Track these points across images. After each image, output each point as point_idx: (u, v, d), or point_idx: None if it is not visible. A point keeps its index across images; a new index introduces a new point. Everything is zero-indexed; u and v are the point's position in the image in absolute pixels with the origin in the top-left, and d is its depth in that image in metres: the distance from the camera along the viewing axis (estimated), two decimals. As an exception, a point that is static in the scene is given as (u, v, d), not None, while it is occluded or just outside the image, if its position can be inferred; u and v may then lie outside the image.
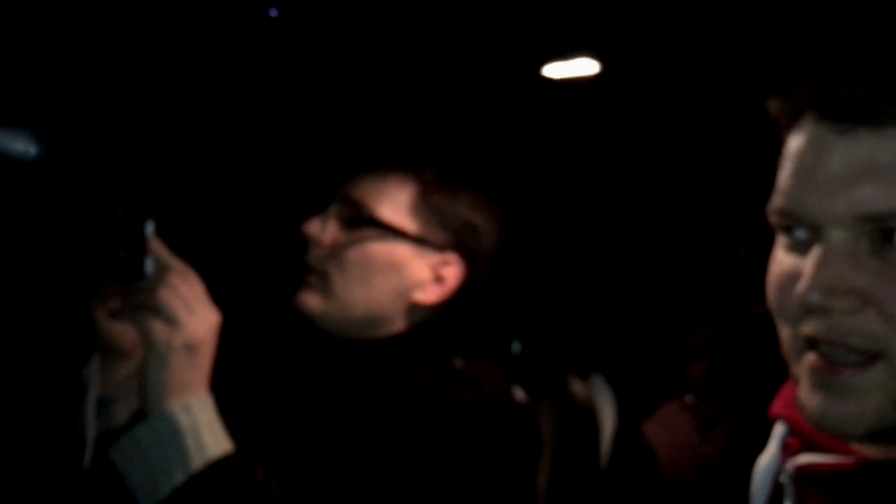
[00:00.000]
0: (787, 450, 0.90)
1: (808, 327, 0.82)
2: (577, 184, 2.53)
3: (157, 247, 1.20)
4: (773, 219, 0.85)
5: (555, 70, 1.86)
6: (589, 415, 2.00)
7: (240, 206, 2.04)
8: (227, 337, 1.24)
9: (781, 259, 0.85)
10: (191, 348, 1.18)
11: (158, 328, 1.17)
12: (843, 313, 0.79)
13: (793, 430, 0.90)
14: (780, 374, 0.90)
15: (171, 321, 1.17)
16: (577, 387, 2.03)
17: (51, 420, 1.26)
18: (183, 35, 1.55)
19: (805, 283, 0.80)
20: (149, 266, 1.19)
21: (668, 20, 1.58)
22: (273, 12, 1.10)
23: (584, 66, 1.85)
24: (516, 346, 2.21)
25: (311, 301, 1.47)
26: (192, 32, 1.51)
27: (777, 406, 0.93)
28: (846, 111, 0.80)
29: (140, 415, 1.21)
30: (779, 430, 0.92)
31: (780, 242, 0.86)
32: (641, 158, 2.40)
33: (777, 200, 0.85)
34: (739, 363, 1.03)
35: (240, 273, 1.95)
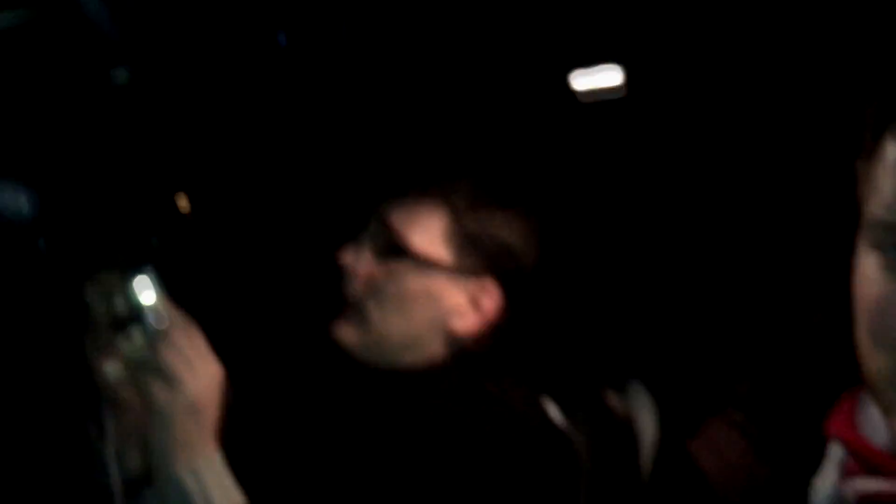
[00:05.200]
0: (846, 472, 0.88)
1: None
2: (610, 193, 2.57)
3: (157, 297, 1.21)
4: (873, 234, 0.80)
5: (581, 81, 1.91)
6: (628, 430, 2.04)
7: (270, 235, 2.09)
8: (259, 372, 1.28)
9: (879, 279, 0.79)
10: (194, 408, 1.19)
11: (159, 390, 1.18)
12: None
13: (851, 453, 0.88)
14: (831, 391, 0.91)
15: (171, 382, 1.18)
16: (615, 401, 2.07)
17: (73, 473, 1.31)
18: (195, 65, 1.60)
19: None
20: (148, 318, 1.20)
21: (701, 25, 1.62)
22: (282, 39, 1.15)
23: (609, 76, 1.90)
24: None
25: (349, 333, 1.51)
26: (204, 63, 1.56)
27: (834, 426, 0.91)
28: None
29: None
30: (835, 452, 0.91)
31: (876, 261, 0.80)
32: (676, 165, 2.45)
33: (879, 212, 0.79)
34: (789, 381, 1.05)
35: (273, 303, 2.01)
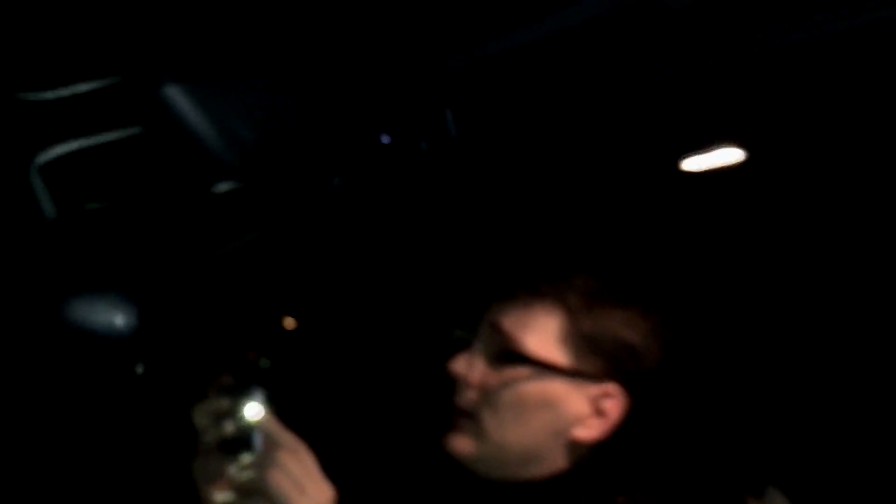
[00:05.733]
0: None
1: None
2: (731, 281, 2.45)
3: (266, 419, 1.19)
4: None
5: (695, 163, 1.83)
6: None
7: (378, 347, 2.06)
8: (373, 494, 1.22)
9: None
10: None
11: None
12: None
13: None
14: None
15: None
16: (758, 510, 1.92)
17: None
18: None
19: None
20: (257, 440, 1.17)
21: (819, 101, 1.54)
22: (385, 139, 1.13)
23: (726, 156, 1.81)
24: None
25: (464, 445, 1.44)
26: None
27: None
28: None
29: None
30: None
31: None
32: (797, 249, 2.31)
33: None
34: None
35: (385, 419, 1.96)
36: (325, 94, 0.89)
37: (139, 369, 1.20)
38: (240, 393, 1.20)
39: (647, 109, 1.49)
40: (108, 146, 0.90)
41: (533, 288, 1.48)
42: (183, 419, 1.21)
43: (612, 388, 1.43)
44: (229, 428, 1.20)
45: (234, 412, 1.19)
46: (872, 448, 2.43)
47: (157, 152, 0.87)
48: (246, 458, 1.18)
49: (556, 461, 1.43)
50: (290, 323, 2.04)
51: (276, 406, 1.21)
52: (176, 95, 0.78)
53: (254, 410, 1.19)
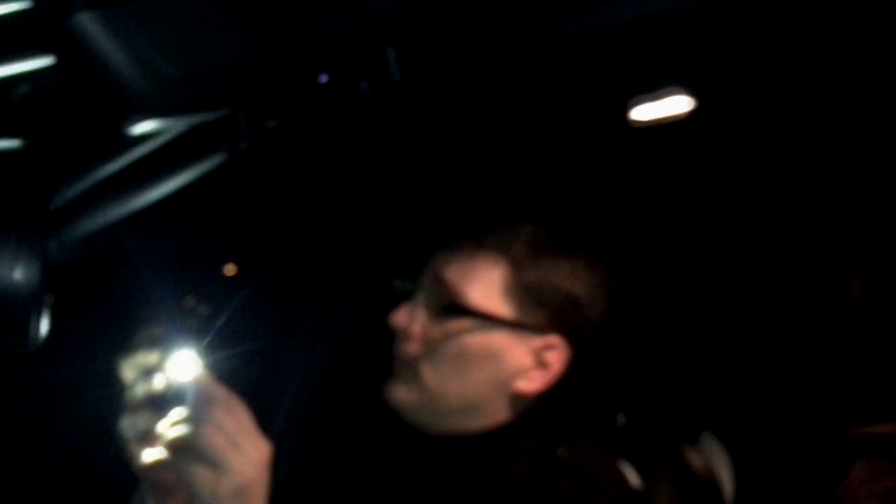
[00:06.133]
0: None
1: None
2: (675, 235, 2.45)
3: (198, 373, 1.14)
4: None
5: (643, 111, 1.80)
6: (712, 487, 1.91)
7: (315, 296, 2.01)
8: (307, 445, 1.19)
9: None
10: (241, 493, 1.11)
11: (203, 475, 1.10)
12: None
13: None
14: None
15: (216, 465, 1.10)
16: (694, 458, 1.95)
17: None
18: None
19: None
20: (189, 396, 1.13)
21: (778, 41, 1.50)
22: (322, 78, 1.06)
23: (675, 104, 1.79)
24: (621, 419, 2.13)
25: (403, 394, 1.42)
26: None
27: None
28: None
29: None
30: None
31: None
32: (745, 200, 2.32)
33: None
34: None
35: (322, 366, 1.93)
36: (253, 25, 0.83)
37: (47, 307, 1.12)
38: (170, 345, 1.14)
39: (593, 54, 1.45)
40: (16, 78, 0.83)
41: (477, 238, 1.45)
42: (108, 373, 1.16)
43: (554, 339, 1.41)
44: (159, 382, 1.15)
45: (163, 366, 1.14)
46: (807, 391, 2.48)
47: (71, 86, 0.80)
48: (177, 414, 1.13)
49: (498, 413, 1.42)
50: (229, 269, 1.98)
51: (208, 359, 1.15)
52: (88, 23, 0.71)
53: (185, 364, 1.14)
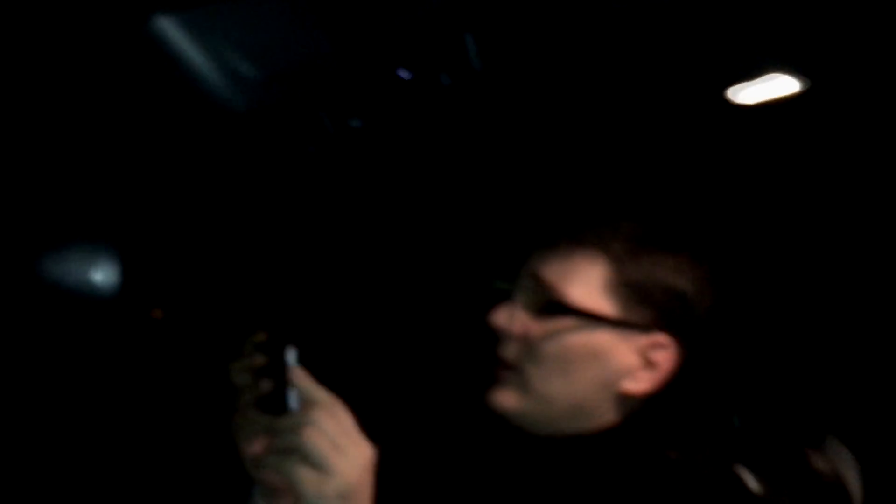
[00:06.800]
0: None
1: None
2: (785, 224, 2.33)
3: (300, 377, 1.16)
4: None
5: (746, 95, 1.72)
6: (842, 493, 1.81)
7: (415, 298, 2.00)
8: (412, 449, 1.18)
9: None
10: (345, 495, 1.12)
11: (307, 477, 1.11)
12: None
13: None
14: None
15: (319, 467, 1.11)
16: (819, 462, 1.85)
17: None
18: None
19: None
20: (293, 400, 1.15)
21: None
22: (403, 74, 1.04)
23: (781, 86, 1.70)
24: (737, 421, 2.05)
25: (508, 399, 1.39)
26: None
27: None
28: None
29: None
30: None
31: None
32: (862, 185, 2.18)
33: None
34: None
35: (425, 372, 1.91)
36: (329, 23, 0.82)
37: (156, 314, 1.15)
38: (276, 349, 1.17)
39: (691, 35, 1.38)
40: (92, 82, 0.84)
41: (575, 235, 1.41)
42: (214, 374, 1.18)
43: (661, 338, 1.37)
44: (265, 386, 1.17)
45: (269, 370, 1.17)
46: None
47: (148, 91, 0.80)
48: (282, 416, 1.15)
49: (605, 415, 1.38)
50: (321, 276, 1.99)
51: (312, 363, 1.17)
52: (167, 28, 0.71)
53: (290, 367, 1.16)
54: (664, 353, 1.36)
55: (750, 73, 1.67)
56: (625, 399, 1.38)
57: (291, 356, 1.16)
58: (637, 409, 1.39)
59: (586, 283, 1.37)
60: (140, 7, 0.71)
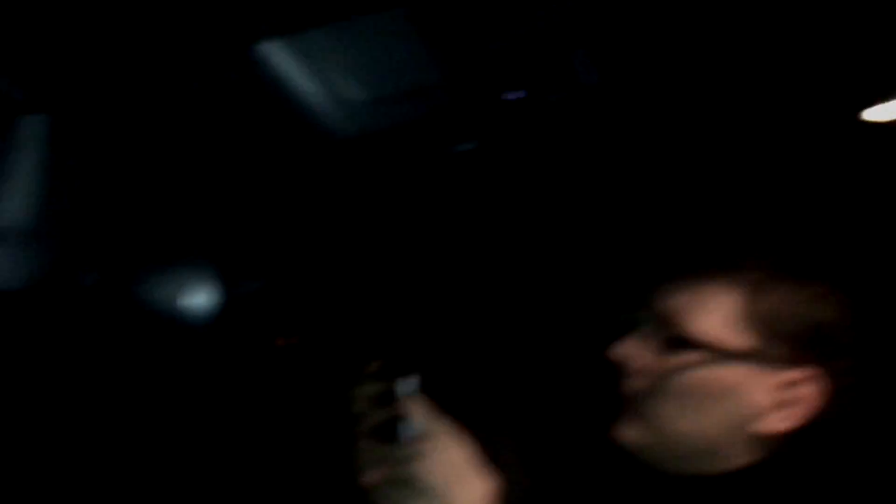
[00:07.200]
0: None
1: None
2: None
3: (416, 407, 1.13)
4: None
5: (879, 112, 1.61)
6: None
7: (538, 328, 1.95)
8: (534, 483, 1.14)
9: None
10: None
11: None
12: None
13: None
14: None
15: (433, 500, 1.09)
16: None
17: None
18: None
19: None
20: (408, 429, 1.12)
21: None
22: (511, 96, 1.01)
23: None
24: None
25: (633, 434, 1.34)
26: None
27: None
28: None
29: None
30: None
31: None
32: None
33: None
34: None
35: (544, 406, 1.86)
36: (434, 44, 0.79)
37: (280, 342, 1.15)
38: (394, 378, 1.15)
39: (822, 50, 1.30)
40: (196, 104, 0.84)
41: (703, 265, 1.35)
42: (332, 401, 1.16)
43: (800, 373, 1.28)
44: (380, 415, 1.16)
45: (388, 398, 1.15)
46: None
47: (252, 113, 0.80)
48: (400, 445, 1.13)
49: (738, 456, 1.30)
50: (444, 304, 1.96)
51: (431, 392, 1.15)
52: (270, 51, 0.70)
53: (408, 396, 1.14)
54: (805, 389, 1.28)
55: (886, 93, 1.56)
56: (760, 440, 1.29)
57: (411, 385, 1.14)
58: (777, 450, 1.29)
59: (715, 315, 1.30)
60: (245, 32, 0.70)
